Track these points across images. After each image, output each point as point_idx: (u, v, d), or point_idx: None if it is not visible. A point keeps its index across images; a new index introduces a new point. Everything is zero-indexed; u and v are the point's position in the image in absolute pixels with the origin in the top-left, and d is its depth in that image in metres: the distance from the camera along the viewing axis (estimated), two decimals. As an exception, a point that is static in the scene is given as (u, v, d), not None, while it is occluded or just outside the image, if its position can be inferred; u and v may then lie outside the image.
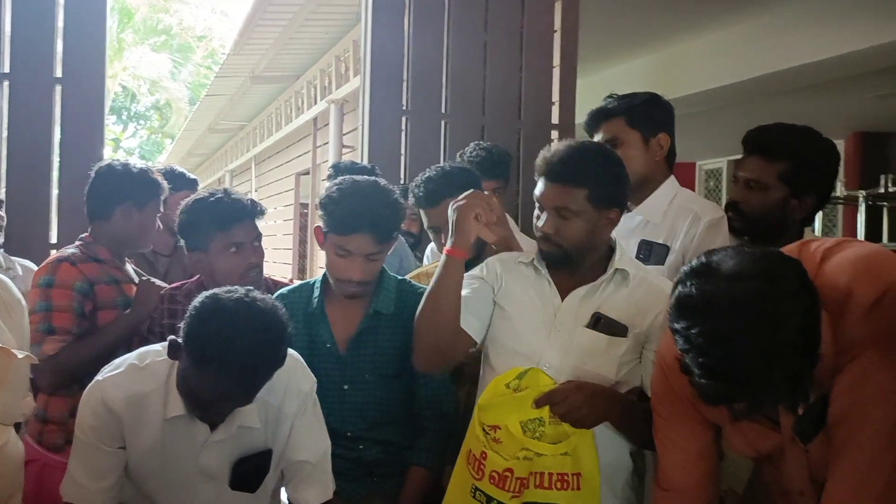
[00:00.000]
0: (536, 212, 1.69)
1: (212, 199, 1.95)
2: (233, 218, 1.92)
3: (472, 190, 1.75)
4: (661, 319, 1.61)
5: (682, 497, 1.49)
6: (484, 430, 1.56)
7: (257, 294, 1.46)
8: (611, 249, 1.73)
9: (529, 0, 3.66)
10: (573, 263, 1.68)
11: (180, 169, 2.89)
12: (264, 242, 2.05)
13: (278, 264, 9.37)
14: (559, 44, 3.71)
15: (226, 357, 1.37)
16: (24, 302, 1.66)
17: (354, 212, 1.77)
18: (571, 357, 1.65)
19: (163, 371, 1.54)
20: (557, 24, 3.72)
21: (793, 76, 5.46)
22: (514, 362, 1.65)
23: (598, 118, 2.12)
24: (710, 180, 9.02)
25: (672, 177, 2.15)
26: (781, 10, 5.23)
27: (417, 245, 3.31)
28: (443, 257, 1.69)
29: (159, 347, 1.58)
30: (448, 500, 1.66)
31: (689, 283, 1.17)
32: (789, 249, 1.34)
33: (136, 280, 2.15)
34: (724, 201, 8.49)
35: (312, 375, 1.68)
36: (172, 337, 1.46)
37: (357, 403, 1.87)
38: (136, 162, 2.21)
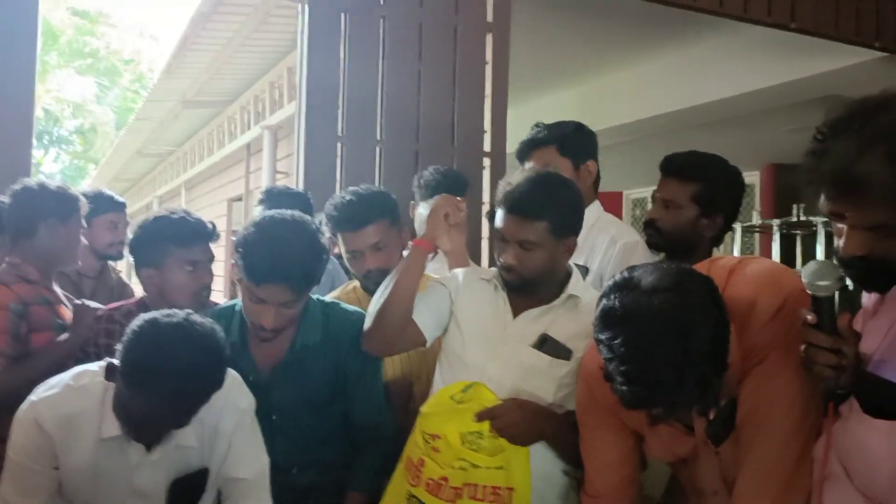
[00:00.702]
0: (498, 242, 1.74)
1: (174, 216, 1.95)
2: (194, 237, 1.92)
3: (443, 194, 1.84)
4: None
5: (606, 502, 1.57)
6: (424, 437, 1.61)
7: (197, 318, 1.47)
8: (567, 275, 1.79)
9: (462, 32, 3.77)
10: (532, 289, 1.74)
11: (108, 192, 2.87)
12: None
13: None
14: (490, 75, 3.83)
15: (160, 381, 1.38)
16: None
17: (269, 261, 1.67)
18: (512, 374, 1.70)
19: (98, 391, 1.53)
20: (489, 56, 3.84)
21: (712, 109, 5.76)
22: (460, 373, 1.71)
23: (530, 147, 2.24)
24: (636, 209, 9.33)
25: (597, 201, 2.26)
26: (699, 47, 5.53)
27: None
28: (411, 247, 1.76)
29: (96, 367, 1.57)
30: None
31: (612, 297, 1.26)
32: (701, 266, 1.45)
33: (66, 301, 2.12)
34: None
35: (250, 393, 1.68)
36: (109, 360, 1.46)
37: (287, 432, 1.85)
38: (49, 181, 2.22)
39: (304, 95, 3.51)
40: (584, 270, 2.14)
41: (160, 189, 13.05)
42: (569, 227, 1.72)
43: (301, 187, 3.48)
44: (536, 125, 2.28)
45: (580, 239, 2.17)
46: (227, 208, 9.02)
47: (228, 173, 8.76)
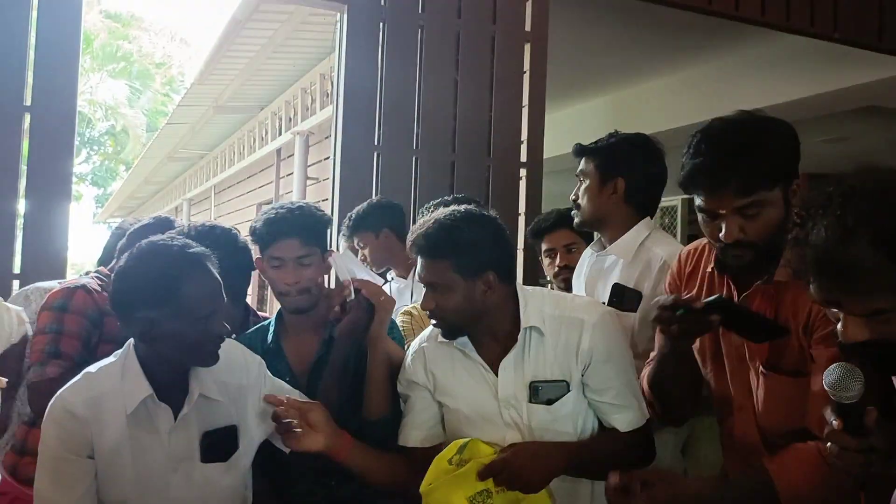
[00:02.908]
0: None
1: None
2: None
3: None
4: (587, 346, 1.64)
5: None
6: None
7: None
8: (515, 308, 1.69)
9: (500, 41, 3.76)
10: (479, 333, 1.69)
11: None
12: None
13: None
14: (528, 84, 3.81)
15: (184, 261, 1.50)
16: None
17: (275, 220, 1.86)
18: (528, 434, 1.66)
19: (116, 372, 1.57)
20: (527, 66, 3.82)
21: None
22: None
23: (582, 153, 2.27)
24: (665, 217, 9.24)
25: (647, 219, 2.22)
26: (734, 56, 5.46)
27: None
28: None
29: (111, 358, 1.61)
30: None
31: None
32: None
33: None
34: (679, 236, 8.71)
35: (257, 356, 1.75)
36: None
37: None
38: (180, 221, 2.31)
39: (340, 104, 3.51)
40: (638, 297, 2.05)
41: (190, 192, 13.18)
42: (477, 264, 1.62)
43: (336, 195, 3.49)
44: (612, 135, 2.29)
45: (628, 256, 2.15)
46: (255, 212, 9.08)
47: (258, 178, 8.82)
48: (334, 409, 1.75)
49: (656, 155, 2.24)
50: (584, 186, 2.22)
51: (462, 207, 1.71)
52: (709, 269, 1.65)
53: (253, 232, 1.90)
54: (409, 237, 1.70)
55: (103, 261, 2.26)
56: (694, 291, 1.66)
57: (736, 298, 1.57)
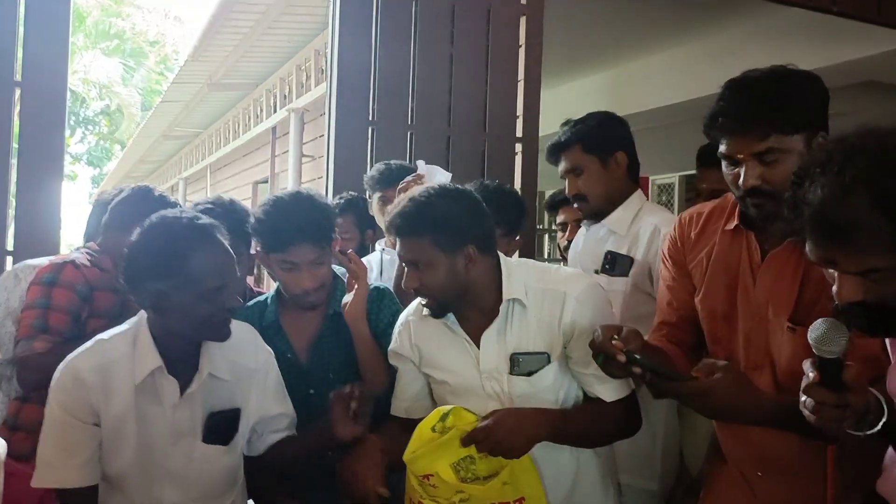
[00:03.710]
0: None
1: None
2: None
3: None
4: (570, 318, 1.64)
5: (671, 329, 1.72)
6: (417, 479, 1.56)
7: None
8: (499, 280, 1.69)
9: (495, 15, 3.72)
10: (463, 306, 1.69)
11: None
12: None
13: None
14: (523, 58, 3.78)
15: (194, 233, 1.51)
16: None
17: (286, 226, 1.81)
18: (511, 403, 1.67)
19: (128, 340, 1.57)
20: (522, 40, 3.78)
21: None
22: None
23: (557, 150, 2.24)
24: (662, 195, 9.23)
25: (639, 191, 2.24)
26: (734, 30, 5.42)
27: None
28: None
29: (123, 326, 1.62)
30: None
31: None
32: None
33: None
34: (676, 213, 8.70)
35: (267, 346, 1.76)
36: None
37: (323, 405, 1.84)
38: (161, 191, 2.26)
39: (334, 79, 3.48)
40: (629, 262, 2.10)
41: (185, 171, 13.14)
42: (456, 239, 1.62)
43: (331, 171, 3.47)
44: (566, 123, 2.27)
45: (623, 230, 2.17)
46: (252, 191, 9.05)
47: (254, 156, 8.78)
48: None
49: (622, 119, 2.28)
50: (585, 177, 2.20)
51: (436, 185, 1.70)
52: (729, 228, 1.62)
53: (259, 232, 1.86)
54: (386, 219, 1.69)
55: (89, 236, 2.24)
56: (704, 253, 1.66)
57: (759, 258, 1.56)
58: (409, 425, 1.70)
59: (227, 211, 2.07)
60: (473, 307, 1.69)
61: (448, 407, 1.58)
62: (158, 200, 2.15)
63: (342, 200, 3.07)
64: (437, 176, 1.97)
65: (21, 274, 2.25)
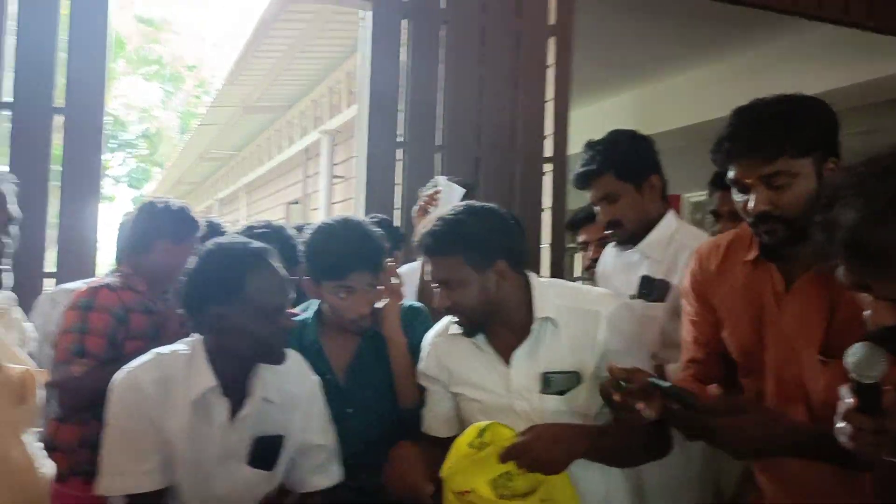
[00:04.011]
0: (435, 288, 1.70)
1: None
2: None
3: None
4: (603, 337, 1.64)
5: (697, 367, 1.69)
6: (456, 495, 1.54)
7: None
8: (528, 297, 1.69)
9: (524, 35, 3.74)
10: (494, 324, 1.69)
11: (222, 225, 2.83)
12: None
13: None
14: (552, 78, 3.79)
15: (249, 257, 1.56)
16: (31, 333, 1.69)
17: (346, 253, 1.82)
18: (540, 422, 1.64)
19: (184, 357, 1.60)
20: (551, 60, 3.79)
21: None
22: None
23: (587, 178, 2.17)
24: (696, 212, 9.12)
25: (671, 211, 2.19)
26: (766, 47, 5.37)
27: None
28: None
29: (178, 344, 1.64)
30: None
31: None
32: None
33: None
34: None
35: (315, 375, 1.78)
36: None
37: (360, 425, 1.89)
38: (175, 201, 2.30)
39: (365, 101, 3.52)
40: (667, 286, 2.05)
41: (221, 192, 13.36)
42: (487, 255, 1.62)
43: (362, 192, 3.50)
44: (588, 147, 2.19)
45: (658, 254, 2.13)
46: (285, 211, 9.17)
47: (287, 177, 8.91)
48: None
49: (648, 137, 2.22)
50: (620, 204, 2.15)
51: (463, 203, 1.71)
52: (749, 258, 1.59)
53: (314, 261, 1.86)
54: (415, 240, 1.71)
55: (119, 259, 2.29)
56: (728, 286, 1.63)
57: (784, 289, 1.53)
58: (440, 443, 1.70)
59: (277, 235, 2.12)
60: (504, 325, 1.69)
61: (485, 423, 1.58)
62: (165, 211, 2.20)
63: (372, 220, 3.11)
64: (453, 192, 1.98)
65: (57, 298, 2.30)
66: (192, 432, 1.57)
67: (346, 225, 1.90)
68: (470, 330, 1.69)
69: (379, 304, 1.94)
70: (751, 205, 1.46)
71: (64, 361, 1.96)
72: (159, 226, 2.20)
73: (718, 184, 2.26)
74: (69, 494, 1.92)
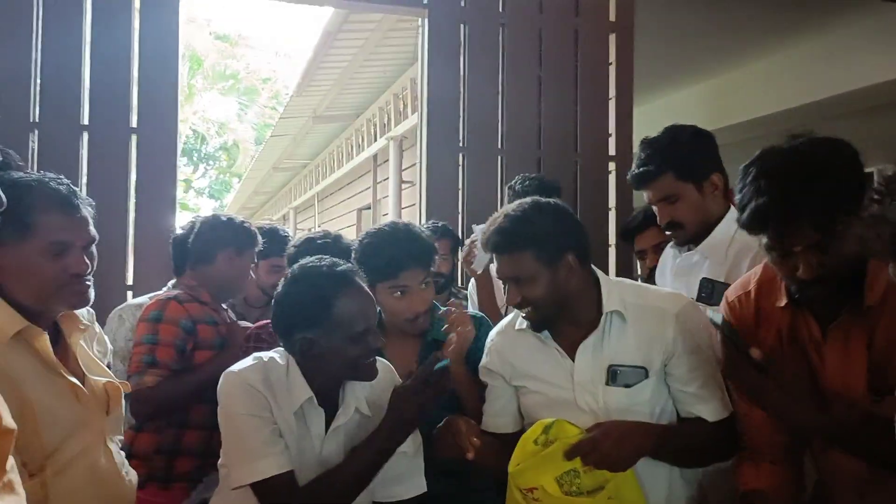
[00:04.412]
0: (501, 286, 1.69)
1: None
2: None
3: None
4: (671, 335, 1.62)
5: (760, 455, 1.59)
6: (521, 493, 1.54)
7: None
8: (598, 291, 1.68)
9: (583, 33, 3.70)
10: (561, 320, 1.68)
11: (282, 232, 2.89)
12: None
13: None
14: (614, 75, 3.73)
15: (335, 281, 1.55)
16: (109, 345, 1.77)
17: (397, 252, 1.86)
18: (605, 416, 1.64)
19: (283, 365, 1.61)
20: (612, 57, 3.74)
21: (852, 99, 5.32)
22: None
23: (645, 179, 2.08)
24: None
25: (732, 209, 2.11)
26: (839, 32, 5.13)
27: (448, 286, 3.31)
28: None
29: (274, 353, 1.65)
30: None
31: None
32: None
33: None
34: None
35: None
36: (302, 338, 1.57)
37: (422, 431, 1.88)
38: (235, 215, 2.40)
39: (425, 106, 3.56)
40: (727, 289, 1.97)
41: (295, 201, 13.68)
42: (557, 249, 1.62)
43: (423, 197, 3.54)
44: (645, 145, 2.10)
45: (720, 256, 2.05)
46: (356, 217, 9.32)
47: (357, 184, 9.05)
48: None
49: (709, 133, 2.12)
50: (680, 205, 2.06)
51: (527, 199, 1.71)
52: (781, 305, 1.53)
53: (368, 263, 1.86)
54: (482, 238, 1.70)
55: (179, 271, 2.37)
56: (773, 334, 1.55)
57: (821, 335, 1.47)
58: (501, 439, 1.72)
59: (336, 245, 2.16)
60: (571, 321, 1.69)
61: (550, 420, 1.57)
62: (228, 224, 2.28)
63: (437, 225, 3.16)
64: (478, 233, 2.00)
65: (125, 315, 2.41)
66: (295, 440, 1.59)
67: (395, 227, 1.94)
68: (539, 324, 1.69)
69: (441, 311, 1.96)
70: (801, 271, 1.39)
71: (138, 372, 2.06)
72: (222, 237, 2.28)
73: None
74: (147, 500, 2.00)
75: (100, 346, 1.68)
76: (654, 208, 2.13)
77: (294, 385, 1.59)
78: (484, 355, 1.84)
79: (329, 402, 1.62)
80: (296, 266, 1.63)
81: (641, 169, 2.08)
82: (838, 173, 1.36)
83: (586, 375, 1.66)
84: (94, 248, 1.53)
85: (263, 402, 1.56)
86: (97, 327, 1.70)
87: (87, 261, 1.49)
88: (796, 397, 1.41)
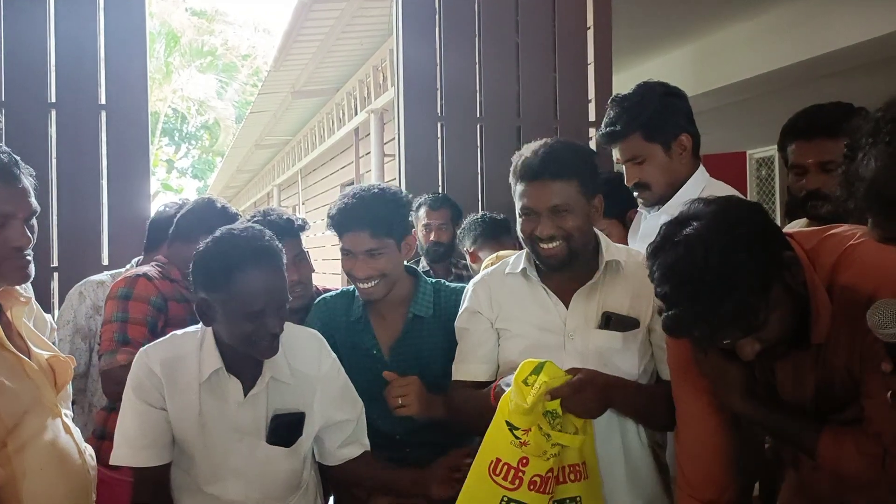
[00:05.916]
0: (522, 220, 1.66)
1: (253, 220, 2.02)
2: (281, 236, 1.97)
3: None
4: None
5: (700, 491, 1.50)
6: (514, 435, 1.51)
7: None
8: (597, 241, 1.72)
9: (560, -1, 3.64)
10: (571, 264, 1.67)
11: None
12: (313, 253, 2.08)
13: (327, 275, 9.50)
14: (593, 40, 3.68)
15: (245, 253, 1.51)
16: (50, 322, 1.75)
17: (347, 210, 1.84)
18: (591, 362, 1.63)
19: (196, 338, 1.64)
20: (590, 21, 3.68)
21: (840, 58, 5.29)
22: None
23: (613, 138, 2.04)
24: (761, 169, 8.77)
25: (700, 168, 2.08)
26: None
27: (448, 255, 3.28)
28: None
29: (197, 326, 1.67)
30: None
31: (659, 231, 1.29)
32: (814, 235, 1.33)
33: None
34: (777, 190, 8.16)
35: (333, 354, 1.77)
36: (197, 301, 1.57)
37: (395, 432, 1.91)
38: (224, 201, 2.34)
39: (401, 78, 3.50)
40: None
41: (278, 178, 13.57)
42: (595, 185, 1.66)
43: (402, 168, 3.49)
44: (614, 103, 2.05)
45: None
46: (339, 193, 9.25)
47: (339, 159, 8.97)
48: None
49: (680, 91, 2.08)
50: (647, 165, 2.01)
51: (552, 138, 1.73)
52: None
53: (329, 218, 1.91)
54: (522, 163, 1.65)
55: (148, 248, 2.33)
56: None
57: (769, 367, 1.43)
58: (476, 386, 1.72)
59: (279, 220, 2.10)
60: (571, 267, 1.68)
61: (538, 360, 1.53)
62: (220, 211, 2.21)
63: (438, 195, 3.23)
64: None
65: (85, 291, 2.36)
66: (203, 409, 1.61)
67: (362, 188, 1.90)
68: (566, 259, 1.65)
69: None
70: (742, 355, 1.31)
71: (110, 351, 2.00)
72: (204, 219, 2.20)
73: (797, 132, 2.01)
74: (122, 480, 1.96)
75: (41, 323, 1.66)
76: (623, 168, 2.09)
77: (206, 356, 1.61)
78: (467, 299, 1.81)
79: (250, 371, 1.62)
80: (222, 228, 1.61)
81: (609, 129, 2.04)
82: (752, 263, 1.20)
83: (579, 321, 1.67)
84: (34, 222, 1.47)
85: (155, 386, 1.60)
86: (35, 304, 1.66)
87: (29, 234, 1.43)
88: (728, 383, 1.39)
